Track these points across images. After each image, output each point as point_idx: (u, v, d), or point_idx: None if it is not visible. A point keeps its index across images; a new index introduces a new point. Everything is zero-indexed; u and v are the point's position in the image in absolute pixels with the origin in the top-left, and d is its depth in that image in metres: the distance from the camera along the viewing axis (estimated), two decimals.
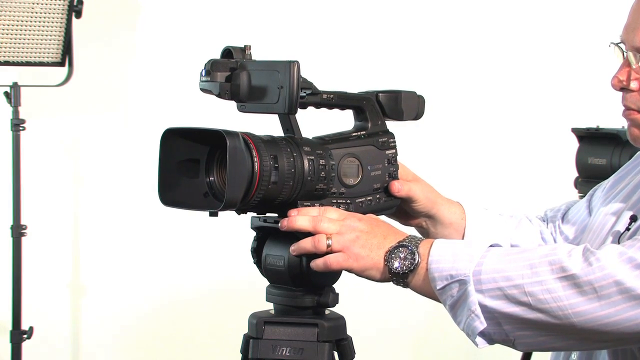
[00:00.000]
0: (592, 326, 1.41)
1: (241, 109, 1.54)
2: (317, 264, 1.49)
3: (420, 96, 1.69)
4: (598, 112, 3.03)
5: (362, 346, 1.78)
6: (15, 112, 3.43)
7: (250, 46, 1.53)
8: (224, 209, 1.44)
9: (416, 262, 1.47)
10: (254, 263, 1.59)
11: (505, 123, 3.77)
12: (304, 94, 1.53)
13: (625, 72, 1.61)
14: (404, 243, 1.48)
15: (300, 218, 1.50)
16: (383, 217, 1.62)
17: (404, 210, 1.72)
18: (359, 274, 1.51)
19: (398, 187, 1.64)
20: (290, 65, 1.47)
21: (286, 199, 1.51)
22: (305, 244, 1.49)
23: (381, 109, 1.65)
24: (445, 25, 3.81)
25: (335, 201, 1.57)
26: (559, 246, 1.47)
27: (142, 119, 3.90)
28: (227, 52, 1.52)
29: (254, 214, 1.56)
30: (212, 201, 1.47)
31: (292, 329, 1.54)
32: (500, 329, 1.45)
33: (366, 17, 3.84)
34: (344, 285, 1.61)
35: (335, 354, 1.57)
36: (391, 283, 1.50)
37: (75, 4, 3.37)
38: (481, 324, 1.44)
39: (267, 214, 1.56)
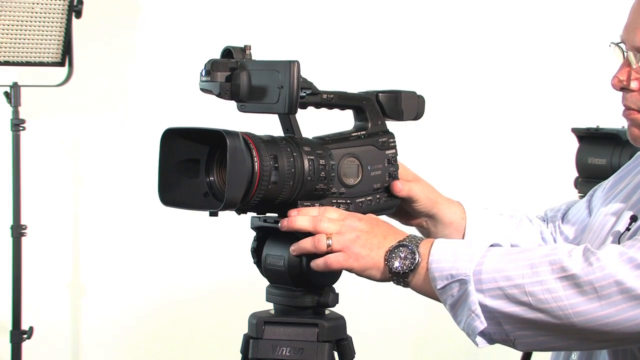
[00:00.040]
0: (593, 326, 1.41)
1: (241, 109, 1.54)
2: (318, 263, 1.49)
3: (420, 96, 1.69)
4: (598, 112, 3.03)
5: (362, 346, 1.78)
6: (15, 112, 3.43)
7: (250, 46, 1.53)
8: (224, 209, 1.44)
9: (416, 261, 1.47)
10: (254, 263, 1.59)
11: (505, 123, 3.77)
12: (304, 94, 1.53)
13: (626, 72, 1.61)
14: (404, 243, 1.48)
15: (300, 218, 1.50)
16: (383, 217, 1.62)
17: (404, 210, 1.72)
18: (359, 273, 1.51)
19: (400, 187, 1.64)
20: (290, 65, 1.47)
21: (286, 199, 1.51)
22: (305, 244, 1.49)
23: (381, 109, 1.65)
24: (445, 25, 3.81)
25: (335, 201, 1.57)
26: (559, 246, 1.47)
27: (142, 119, 3.90)
28: (227, 52, 1.52)
29: (254, 214, 1.56)
30: (212, 201, 1.47)
31: (292, 329, 1.54)
32: (500, 328, 1.45)
33: (366, 17, 3.84)
34: (344, 285, 1.60)
35: (335, 354, 1.57)
36: (391, 283, 1.50)
37: (75, 4, 3.37)
38: (481, 323, 1.44)
39: (267, 214, 1.56)
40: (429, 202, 1.72)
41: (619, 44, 1.62)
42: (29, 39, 3.33)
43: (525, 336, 1.45)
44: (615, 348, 1.59)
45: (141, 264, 3.93)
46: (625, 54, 1.61)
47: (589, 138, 2.94)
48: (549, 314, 1.41)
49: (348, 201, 1.58)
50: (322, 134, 1.59)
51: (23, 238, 3.44)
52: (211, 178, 1.48)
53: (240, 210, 1.51)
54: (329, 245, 1.48)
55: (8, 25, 3.28)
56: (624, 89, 1.62)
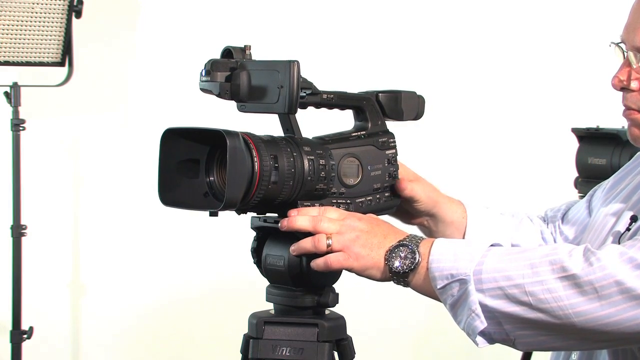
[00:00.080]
0: (593, 326, 1.41)
1: (241, 108, 1.54)
2: (318, 263, 1.49)
3: (420, 96, 1.69)
4: (598, 112, 3.03)
5: (362, 346, 1.78)
6: (15, 112, 3.43)
7: (250, 46, 1.53)
8: (224, 209, 1.44)
9: (417, 261, 1.47)
10: (254, 263, 1.59)
11: (505, 123, 3.77)
12: (304, 94, 1.53)
13: (626, 72, 1.61)
14: (405, 242, 1.48)
15: (300, 218, 1.50)
16: (385, 217, 1.62)
17: (405, 209, 1.72)
18: (360, 273, 1.50)
19: (404, 185, 1.64)
20: (290, 65, 1.46)
21: (286, 199, 1.51)
22: (305, 244, 1.49)
23: (381, 109, 1.65)
24: (445, 25, 3.81)
25: (335, 201, 1.56)
26: (559, 246, 1.47)
27: (142, 119, 3.90)
28: (227, 52, 1.52)
29: (254, 214, 1.56)
30: (212, 201, 1.47)
31: (292, 329, 1.54)
32: (500, 328, 1.45)
33: (366, 17, 3.84)
34: (344, 285, 1.60)
35: (335, 354, 1.57)
36: (391, 282, 1.50)
37: (75, 4, 3.37)
38: (481, 323, 1.44)
39: (267, 214, 1.56)
40: (430, 202, 1.72)
41: (619, 44, 1.62)
42: (29, 39, 3.33)
43: (526, 336, 1.45)
44: (616, 348, 1.59)
45: (141, 264, 3.93)
46: (625, 54, 1.61)
47: (589, 138, 2.94)
48: (549, 313, 1.41)
49: (348, 201, 1.58)
50: (322, 134, 1.59)
51: (23, 238, 3.44)
52: (211, 178, 1.48)
53: (240, 210, 1.51)
54: (329, 245, 1.48)
55: (8, 25, 3.28)
56: (624, 89, 1.62)
